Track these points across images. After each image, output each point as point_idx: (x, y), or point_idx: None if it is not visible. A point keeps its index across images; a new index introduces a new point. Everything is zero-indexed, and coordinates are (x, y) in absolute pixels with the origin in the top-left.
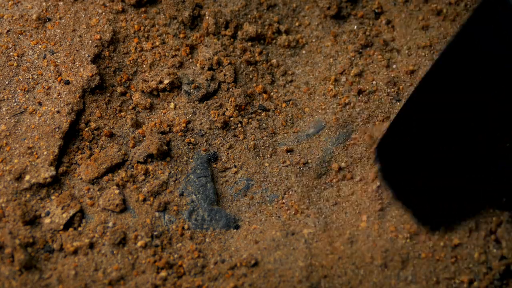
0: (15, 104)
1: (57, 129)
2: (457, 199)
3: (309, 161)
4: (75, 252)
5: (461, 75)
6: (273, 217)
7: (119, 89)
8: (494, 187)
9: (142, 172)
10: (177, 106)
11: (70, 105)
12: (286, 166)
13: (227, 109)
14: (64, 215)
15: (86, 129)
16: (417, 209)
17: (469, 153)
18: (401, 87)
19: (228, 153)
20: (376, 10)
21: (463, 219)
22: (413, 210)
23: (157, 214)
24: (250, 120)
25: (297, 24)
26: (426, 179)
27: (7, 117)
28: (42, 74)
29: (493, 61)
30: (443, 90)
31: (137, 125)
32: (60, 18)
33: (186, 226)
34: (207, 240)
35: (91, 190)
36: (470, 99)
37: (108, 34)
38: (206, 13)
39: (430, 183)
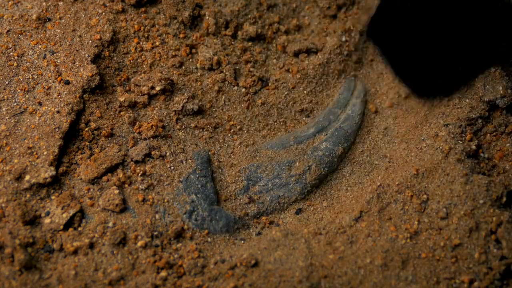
0: (15, 104)
1: (57, 129)
2: (449, 67)
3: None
4: (75, 252)
5: None
6: None
7: (119, 89)
8: (483, 53)
9: (141, 172)
10: None
11: (70, 105)
12: None
13: None
14: (64, 215)
15: (86, 129)
16: (414, 80)
17: (458, 20)
18: None
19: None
20: None
21: (455, 87)
22: (412, 82)
23: (157, 214)
24: None
25: (297, 24)
26: (419, 49)
27: (7, 117)
28: (42, 74)
29: None
30: None
31: (134, 123)
32: (60, 18)
33: (186, 226)
34: (207, 240)
35: (91, 190)
36: None
37: (108, 34)
38: (206, 13)
39: (423, 53)
